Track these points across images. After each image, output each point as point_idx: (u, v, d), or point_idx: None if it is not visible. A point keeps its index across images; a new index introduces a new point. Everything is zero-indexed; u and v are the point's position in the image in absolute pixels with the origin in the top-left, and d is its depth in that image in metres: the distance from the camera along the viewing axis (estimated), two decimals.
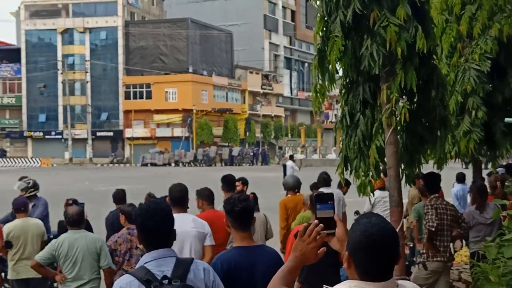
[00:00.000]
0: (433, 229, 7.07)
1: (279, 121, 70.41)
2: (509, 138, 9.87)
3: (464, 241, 9.94)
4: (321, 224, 2.60)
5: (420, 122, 7.12)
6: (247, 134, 64.28)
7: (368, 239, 2.30)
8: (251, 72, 69.67)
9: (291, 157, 27.12)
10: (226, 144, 60.81)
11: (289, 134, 67.26)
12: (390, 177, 6.79)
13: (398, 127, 6.83)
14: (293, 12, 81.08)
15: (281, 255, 9.14)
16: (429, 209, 7.15)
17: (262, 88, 70.21)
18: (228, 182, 8.06)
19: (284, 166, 21.66)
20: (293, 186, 9.56)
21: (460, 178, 12.29)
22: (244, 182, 9.20)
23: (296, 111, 77.96)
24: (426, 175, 7.48)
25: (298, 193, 9.57)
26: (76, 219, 6.43)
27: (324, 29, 6.83)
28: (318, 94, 6.98)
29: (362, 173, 6.99)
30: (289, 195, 9.54)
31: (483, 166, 10.79)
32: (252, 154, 56.91)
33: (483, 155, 9.96)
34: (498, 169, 10.95)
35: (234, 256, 4.29)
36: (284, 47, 77.55)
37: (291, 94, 77.60)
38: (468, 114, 9.22)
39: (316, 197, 2.66)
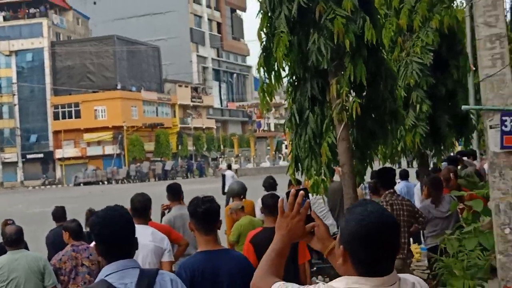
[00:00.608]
0: None
1: (210, 133, 70.03)
2: (454, 131, 9.86)
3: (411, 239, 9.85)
4: (302, 192, 2.32)
5: (370, 116, 6.93)
6: (179, 147, 63.57)
7: (365, 229, 2.01)
8: (180, 86, 69.06)
9: (229, 167, 26.81)
10: (159, 159, 59.97)
11: (222, 145, 66.91)
12: (344, 174, 6.56)
13: (349, 123, 6.64)
14: (219, 24, 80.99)
15: None
16: (384, 205, 6.95)
17: (192, 101, 69.68)
18: (173, 191, 7.67)
19: (223, 176, 21.35)
20: (238, 192, 9.25)
21: (403, 175, 12.27)
22: None
23: (227, 122, 77.75)
24: (380, 171, 7.29)
25: (244, 199, 9.27)
26: (15, 239, 5.95)
27: (268, 25, 6.55)
28: (266, 94, 6.69)
29: (314, 172, 6.74)
30: (238, 202, 9.22)
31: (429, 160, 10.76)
32: (186, 167, 56.31)
33: (430, 149, 9.90)
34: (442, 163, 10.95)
35: (197, 262, 3.96)
36: (212, 59, 77.31)
37: (221, 106, 77.36)
38: (412, 108, 9.13)
39: (287, 194, 2.34)
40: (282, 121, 73.87)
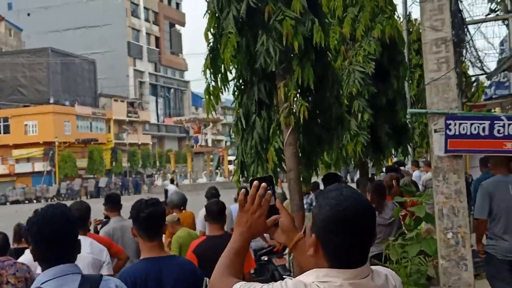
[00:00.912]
0: None
1: (146, 149, 69.04)
2: (393, 140, 9.95)
3: None
4: (264, 184, 2.12)
5: (316, 121, 6.88)
6: (114, 164, 62.26)
7: (342, 214, 1.87)
8: (116, 100, 67.89)
9: (172, 181, 26.36)
10: (92, 176, 58.48)
11: (157, 162, 66.00)
12: (290, 180, 6.47)
13: (296, 128, 6.56)
14: (157, 39, 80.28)
15: None
16: None
17: (128, 116, 68.57)
18: (113, 201, 7.38)
19: (166, 191, 20.95)
20: (177, 204, 9.01)
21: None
22: None
23: (164, 138, 76.89)
24: (326, 177, 7.24)
25: (184, 210, 9.06)
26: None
27: (216, 25, 6.43)
28: (212, 97, 6.55)
29: None
30: (174, 214, 8.98)
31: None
32: (120, 184, 55.12)
33: (370, 159, 9.96)
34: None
35: (139, 270, 3.74)
36: (149, 73, 76.45)
37: (158, 121, 76.46)
38: (354, 117, 9.16)
39: (251, 182, 2.16)
40: (220, 137, 73.24)
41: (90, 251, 5.47)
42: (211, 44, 6.46)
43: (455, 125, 5.96)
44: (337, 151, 6.97)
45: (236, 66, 6.44)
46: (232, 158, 59.05)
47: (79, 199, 49.76)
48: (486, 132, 5.87)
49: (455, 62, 6.73)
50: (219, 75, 6.50)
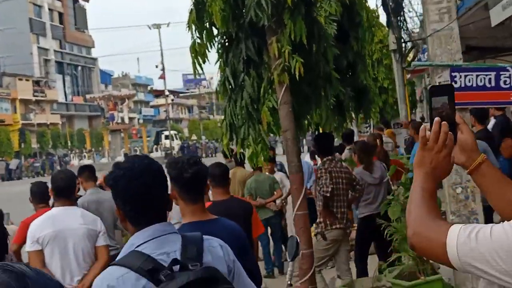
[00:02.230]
0: (328, 195, 6.48)
1: (56, 129, 66.39)
2: (356, 103, 9.73)
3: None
4: (445, 122, 1.77)
5: (303, 79, 6.49)
6: (22, 145, 59.54)
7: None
8: (20, 79, 64.72)
9: (125, 155, 25.38)
10: (0, 158, 55.67)
11: (69, 141, 63.65)
12: (287, 141, 6.08)
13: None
14: (60, 15, 76.93)
15: None
16: (323, 173, 6.55)
17: (34, 96, 65.58)
18: (90, 170, 6.80)
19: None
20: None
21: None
22: None
23: (73, 117, 74.17)
24: (317, 137, 6.90)
25: None
26: None
27: None
28: (198, 55, 6.02)
29: (253, 141, 6.19)
30: None
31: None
32: (38, 165, 52.62)
33: (334, 123, 9.71)
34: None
35: None
36: (55, 51, 73.21)
37: (66, 100, 73.64)
38: None
39: (431, 90, 1.80)
40: (132, 115, 71.44)
41: (83, 222, 5.03)
42: None
43: (460, 77, 5.76)
44: (325, 111, 6.59)
45: (220, 22, 5.90)
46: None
47: None
48: (492, 84, 5.70)
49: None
50: (204, 31, 5.98)
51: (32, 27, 70.00)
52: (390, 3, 15.64)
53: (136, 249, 2.23)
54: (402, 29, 15.48)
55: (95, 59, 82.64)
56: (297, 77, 5.90)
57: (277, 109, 6.09)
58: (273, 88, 6.16)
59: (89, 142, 52.73)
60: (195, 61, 6.01)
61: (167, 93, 67.69)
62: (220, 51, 6.29)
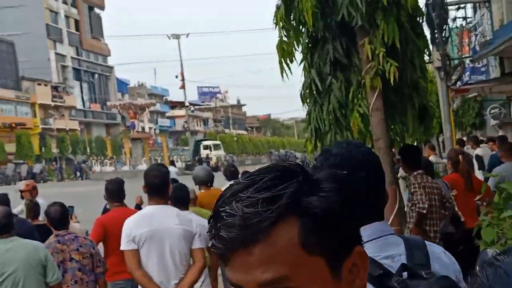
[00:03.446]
0: (425, 211, 6.03)
1: (75, 135, 66.31)
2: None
3: None
4: None
5: (389, 86, 6.12)
6: (43, 149, 59.45)
7: None
8: (39, 84, 64.70)
9: (172, 163, 24.96)
10: (22, 161, 55.48)
11: (88, 148, 63.44)
12: (380, 150, 5.68)
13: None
14: (76, 22, 76.89)
15: None
16: (417, 188, 6.08)
17: (53, 101, 65.61)
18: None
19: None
20: (204, 179, 8.09)
21: None
22: None
23: (91, 124, 74.11)
24: (405, 148, 6.49)
25: (212, 187, 8.16)
26: (5, 224, 4.55)
27: None
28: (285, 54, 5.68)
29: None
30: (202, 190, 8.07)
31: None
32: (57, 169, 52.30)
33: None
34: None
35: None
36: (71, 57, 73.21)
37: (84, 107, 73.68)
38: None
39: None
40: (150, 125, 71.25)
41: (179, 222, 4.65)
42: None
43: None
44: (412, 121, 6.19)
45: (312, 19, 5.55)
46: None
47: (14, 185, 47.14)
48: None
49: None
50: (292, 29, 5.64)
51: (49, 32, 70.06)
52: (435, 18, 15.30)
53: None
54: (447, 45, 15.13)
55: (111, 68, 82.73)
56: (391, 82, 5.55)
57: (365, 115, 5.73)
58: (362, 93, 5.82)
59: (110, 149, 52.49)
60: (282, 60, 5.67)
61: (187, 103, 67.55)
62: (304, 52, 5.95)
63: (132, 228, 4.55)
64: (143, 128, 49.21)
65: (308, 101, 5.95)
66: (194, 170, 8.51)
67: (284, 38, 5.67)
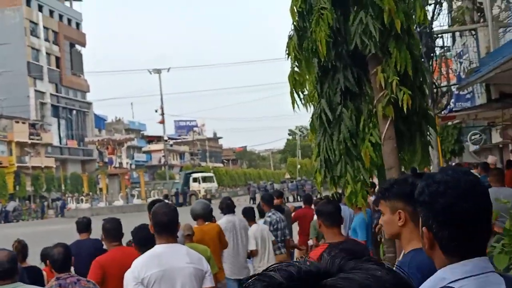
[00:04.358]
0: None
1: (50, 172, 65.46)
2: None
3: None
4: None
5: (399, 115, 6.04)
6: (17, 188, 58.48)
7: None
8: (17, 122, 64.03)
9: (166, 197, 24.63)
10: None
11: (63, 185, 62.62)
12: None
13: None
14: (57, 59, 76.82)
15: None
16: None
17: (30, 138, 64.85)
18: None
19: None
20: (200, 214, 7.85)
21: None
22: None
23: (67, 161, 73.32)
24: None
25: (207, 222, 7.90)
26: (8, 268, 4.27)
27: (303, 0, 5.48)
28: (296, 84, 5.57)
29: (351, 179, 5.70)
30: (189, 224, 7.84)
31: None
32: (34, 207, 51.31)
33: None
34: None
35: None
36: (51, 94, 72.84)
37: (60, 143, 72.94)
38: None
39: None
40: (127, 160, 70.62)
41: (189, 261, 4.44)
42: (297, 21, 5.49)
43: None
44: (421, 149, 6.10)
45: (325, 49, 5.47)
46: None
47: None
48: None
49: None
50: (304, 59, 5.55)
51: (30, 70, 69.79)
52: (422, 47, 15.42)
53: (449, 285, 1.75)
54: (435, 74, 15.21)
55: (89, 104, 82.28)
56: (404, 110, 5.46)
57: (376, 144, 5.62)
58: (373, 122, 5.72)
59: (87, 185, 51.73)
60: (294, 91, 5.56)
61: (166, 138, 67.19)
62: (314, 82, 5.86)
63: (141, 270, 4.32)
64: (120, 164, 48.62)
65: (317, 131, 5.82)
66: (192, 204, 8.29)
67: (296, 69, 5.56)
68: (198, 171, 65.28)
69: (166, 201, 21.66)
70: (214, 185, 60.37)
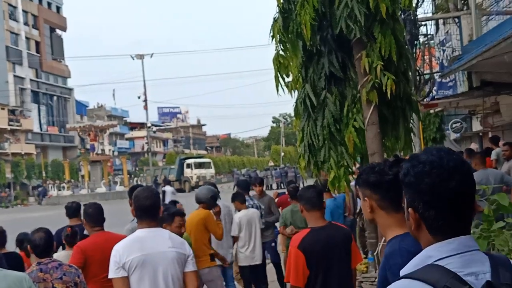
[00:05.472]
0: None
1: (30, 159, 64.85)
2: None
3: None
4: None
5: (383, 100, 6.03)
6: None
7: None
8: None
9: (168, 182, 24.33)
10: None
11: (44, 172, 62.14)
12: None
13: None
14: (37, 43, 75.90)
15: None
16: None
17: (9, 125, 64.14)
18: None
19: (164, 192, 19.57)
20: (206, 200, 7.77)
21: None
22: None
23: (48, 147, 72.64)
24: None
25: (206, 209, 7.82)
26: None
27: None
28: (281, 68, 5.53)
29: (334, 164, 5.68)
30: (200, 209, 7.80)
31: None
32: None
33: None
34: None
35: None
36: (31, 80, 71.99)
37: (41, 130, 72.20)
38: None
39: None
40: (110, 147, 70.29)
41: (171, 245, 4.39)
42: (282, 4, 5.44)
43: None
44: (404, 135, 6.10)
45: (310, 32, 5.43)
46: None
47: None
48: None
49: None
50: (289, 42, 5.50)
51: (9, 55, 68.87)
52: (406, 34, 15.43)
53: (435, 262, 1.75)
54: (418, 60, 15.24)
55: (71, 89, 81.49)
56: (388, 95, 5.44)
57: (360, 130, 5.61)
58: (357, 107, 5.70)
59: (68, 172, 51.35)
60: (278, 74, 5.51)
61: (149, 124, 66.85)
62: (299, 66, 5.82)
63: (122, 254, 4.29)
64: (102, 151, 48.31)
65: (301, 116, 5.79)
66: (197, 191, 8.14)
67: (281, 52, 5.52)
68: (193, 157, 64.46)
69: (169, 186, 21.32)
70: (210, 171, 58.83)
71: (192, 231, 7.59)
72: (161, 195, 20.79)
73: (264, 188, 11.29)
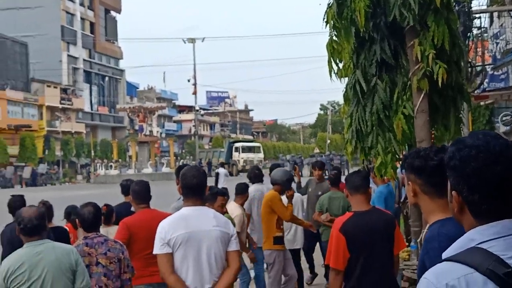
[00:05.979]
0: None
1: (80, 138, 66.21)
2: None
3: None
4: None
5: (435, 88, 6.03)
6: (46, 152, 59.30)
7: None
8: (49, 86, 64.74)
9: (222, 165, 24.84)
10: (23, 164, 55.27)
11: (92, 151, 63.44)
12: None
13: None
14: (92, 24, 77.30)
15: None
16: None
17: (61, 103, 65.53)
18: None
19: (217, 174, 19.91)
20: (276, 181, 7.87)
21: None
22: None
23: (97, 127, 74.08)
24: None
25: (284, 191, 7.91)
26: (36, 225, 4.37)
27: None
28: (334, 54, 5.60)
29: (381, 150, 5.74)
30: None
31: None
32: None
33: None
34: None
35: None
36: (84, 60, 73.42)
37: (92, 109, 73.67)
38: None
39: None
40: (158, 128, 71.33)
41: (216, 224, 4.48)
42: None
43: None
44: (454, 124, 6.10)
45: (364, 19, 5.48)
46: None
47: (11, 188, 47.03)
48: None
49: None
50: (343, 29, 5.56)
51: (64, 34, 70.30)
52: (460, 26, 15.23)
53: (478, 245, 1.77)
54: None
55: (122, 71, 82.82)
56: (439, 84, 5.46)
57: (409, 117, 5.64)
58: (407, 94, 5.73)
59: (116, 152, 52.29)
60: (331, 59, 5.59)
61: (197, 108, 67.40)
62: (350, 52, 5.88)
63: (168, 231, 4.39)
64: (150, 132, 49.00)
65: (350, 102, 5.85)
66: (273, 172, 8.22)
67: (334, 38, 5.58)
68: (242, 141, 64.61)
69: (222, 168, 21.57)
70: (259, 155, 58.77)
71: (262, 212, 7.81)
72: (214, 177, 20.91)
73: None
